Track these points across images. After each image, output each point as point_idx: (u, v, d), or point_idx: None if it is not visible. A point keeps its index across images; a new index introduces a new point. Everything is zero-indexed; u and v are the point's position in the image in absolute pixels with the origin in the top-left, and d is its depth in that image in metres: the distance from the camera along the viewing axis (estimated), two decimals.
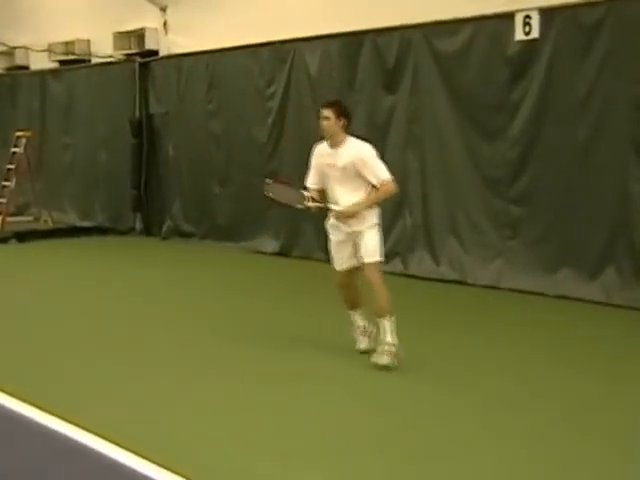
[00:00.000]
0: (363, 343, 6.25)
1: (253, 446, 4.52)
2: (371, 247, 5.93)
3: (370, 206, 5.93)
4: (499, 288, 8.66)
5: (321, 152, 6.14)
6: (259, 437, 4.66)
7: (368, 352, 6.05)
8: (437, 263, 9.33)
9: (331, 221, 6.11)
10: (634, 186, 7.69)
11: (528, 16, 8.31)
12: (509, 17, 8.47)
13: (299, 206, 6.05)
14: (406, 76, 9.59)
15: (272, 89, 11.33)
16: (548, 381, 5.65)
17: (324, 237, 10.47)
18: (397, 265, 9.66)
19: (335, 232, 6.13)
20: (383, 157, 9.63)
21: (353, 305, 6.27)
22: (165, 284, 9.63)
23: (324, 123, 6.00)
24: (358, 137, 6.11)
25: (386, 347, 5.78)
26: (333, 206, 5.98)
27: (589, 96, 7.99)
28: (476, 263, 8.93)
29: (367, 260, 5.93)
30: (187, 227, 12.83)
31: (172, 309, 8.20)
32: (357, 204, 5.89)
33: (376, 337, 6.03)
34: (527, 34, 8.34)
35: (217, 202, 12.31)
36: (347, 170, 5.91)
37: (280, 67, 11.17)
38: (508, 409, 5.09)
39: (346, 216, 5.93)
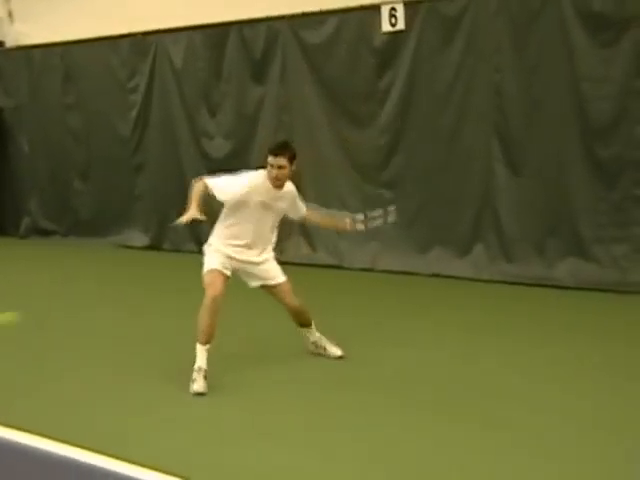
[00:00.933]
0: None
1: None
2: (279, 268, 5.72)
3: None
4: (374, 270, 8.97)
5: (259, 187, 5.35)
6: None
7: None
8: (313, 249, 9.47)
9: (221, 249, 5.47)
10: (497, 166, 8.13)
11: (394, 8, 8.60)
12: (375, 9, 8.72)
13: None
14: (274, 67, 9.62)
15: (134, 82, 11.04)
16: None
17: (195, 228, 10.58)
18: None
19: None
20: (254, 145, 9.97)
21: None
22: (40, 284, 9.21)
23: (280, 172, 5.29)
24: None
25: (325, 340, 5.87)
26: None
27: (453, 84, 8.35)
28: (351, 247, 9.15)
29: (281, 280, 5.71)
30: (47, 224, 12.22)
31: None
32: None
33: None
34: (393, 25, 8.65)
35: (79, 197, 11.81)
36: (280, 213, 5.56)
37: (142, 59, 10.87)
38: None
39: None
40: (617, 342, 6.17)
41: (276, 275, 5.68)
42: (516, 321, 6.85)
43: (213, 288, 5.30)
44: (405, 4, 8.56)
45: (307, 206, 5.81)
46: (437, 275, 8.49)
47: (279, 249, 9.26)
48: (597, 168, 7.65)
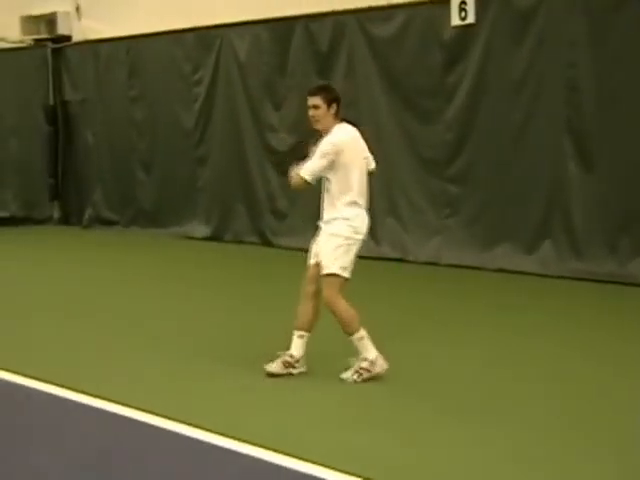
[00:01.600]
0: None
1: None
2: (324, 250, 5.16)
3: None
4: (439, 264, 8.85)
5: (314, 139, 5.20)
6: None
7: None
8: (377, 243, 9.41)
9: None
10: (569, 163, 7.97)
11: (464, 2, 8.50)
12: (445, 2, 8.61)
13: None
14: (340, 61, 9.57)
15: (199, 75, 11.11)
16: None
17: (257, 219, 10.67)
18: None
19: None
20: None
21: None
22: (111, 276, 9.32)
23: (315, 112, 5.13)
24: (349, 122, 5.40)
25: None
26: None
27: (524, 79, 8.21)
28: (416, 241, 9.08)
29: (316, 260, 5.22)
30: (110, 214, 12.34)
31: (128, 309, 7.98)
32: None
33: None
34: (463, 19, 8.55)
35: (142, 188, 11.91)
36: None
37: (207, 53, 10.92)
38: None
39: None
40: None
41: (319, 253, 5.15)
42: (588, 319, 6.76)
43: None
44: None
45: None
46: (502, 270, 8.35)
47: None
48: None
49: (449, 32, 8.67)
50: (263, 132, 10.44)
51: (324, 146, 5.14)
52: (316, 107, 5.18)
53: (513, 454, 4.01)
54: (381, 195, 9.36)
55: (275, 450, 3.98)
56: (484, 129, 8.55)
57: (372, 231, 9.39)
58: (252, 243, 10.59)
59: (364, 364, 5.02)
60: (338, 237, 5.19)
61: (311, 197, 10.05)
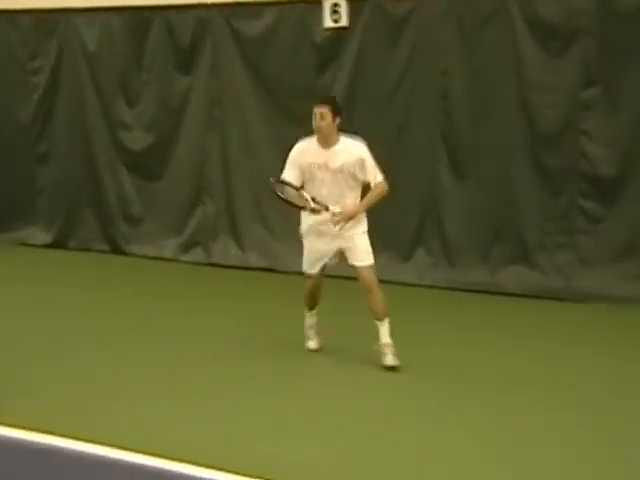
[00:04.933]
0: (315, 341, 6.53)
1: None
2: (365, 251, 6.04)
3: (368, 208, 6.02)
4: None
5: (308, 151, 6.00)
6: None
7: (317, 351, 6.42)
8: (243, 250, 9.59)
9: (311, 223, 6.06)
10: (443, 171, 8.55)
11: (336, 4, 8.89)
12: (317, 3, 8.91)
13: (304, 207, 5.90)
14: (203, 58, 9.62)
15: (37, 63, 10.75)
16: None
17: (107, 225, 10.43)
18: (199, 254, 9.81)
19: (316, 236, 6.09)
20: (178, 140, 9.97)
21: (315, 305, 6.48)
22: None
23: (322, 124, 5.92)
24: (345, 132, 6.16)
25: (389, 348, 6.01)
26: (332, 207, 5.85)
27: (397, 86, 8.69)
28: (285, 249, 9.23)
29: (362, 264, 6.05)
30: None
31: None
32: (361, 205, 5.96)
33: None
34: (336, 22, 8.91)
35: None
36: (342, 172, 5.88)
37: (47, 38, 10.55)
38: None
39: (347, 218, 5.88)
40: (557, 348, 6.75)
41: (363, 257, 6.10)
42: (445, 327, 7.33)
43: (307, 285, 6.41)
44: (348, 0, 8.87)
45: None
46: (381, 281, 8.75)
47: (206, 249, 9.60)
48: (543, 176, 8.19)
49: (321, 34, 9.00)
50: (115, 130, 10.27)
51: (368, 150, 6.05)
52: (323, 117, 5.92)
53: None
54: (248, 201, 9.60)
55: None
56: (357, 134, 8.90)
57: (237, 238, 9.69)
58: (101, 251, 10.43)
59: (390, 346, 6.03)
60: (366, 234, 6.12)
61: (168, 202, 10.18)
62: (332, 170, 5.91)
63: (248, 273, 9.39)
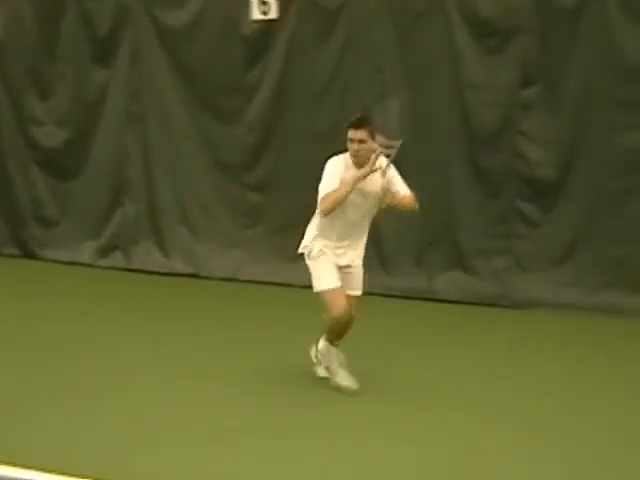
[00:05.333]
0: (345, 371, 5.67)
1: None
2: (361, 280, 5.62)
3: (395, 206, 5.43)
4: (238, 280, 8.75)
5: (347, 172, 5.39)
6: None
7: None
8: (166, 255, 9.16)
9: (326, 243, 5.49)
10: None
11: None
12: None
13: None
14: (123, 49, 9.14)
15: None
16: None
17: (18, 228, 9.77)
18: (118, 259, 9.32)
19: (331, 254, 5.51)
20: (96, 137, 9.44)
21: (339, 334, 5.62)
22: None
23: (361, 147, 5.32)
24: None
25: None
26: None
27: (330, 82, 8.39)
28: (211, 254, 8.91)
29: (357, 293, 5.60)
30: None
31: None
32: (411, 196, 5.47)
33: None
34: (265, 14, 8.55)
35: None
36: (372, 197, 5.39)
37: None
38: None
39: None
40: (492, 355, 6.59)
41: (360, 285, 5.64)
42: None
43: (339, 308, 5.40)
44: None
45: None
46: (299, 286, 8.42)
47: (126, 254, 9.11)
48: (480, 178, 7.99)
49: (249, 26, 8.61)
50: (26, 125, 9.67)
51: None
52: (362, 141, 5.35)
53: None
54: (172, 202, 9.16)
55: None
56: (288, 133, 8.60)
57: (160, 242, 9.24)
58: (11, 255, 9.81)
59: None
60: None
61: (84, 203, 9.64)
62: (365, 193, 5.39)
63: (172, 279, 8.96)
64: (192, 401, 5.42)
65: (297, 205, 8.60)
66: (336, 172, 5.43)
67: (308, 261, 5.59)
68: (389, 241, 8.34)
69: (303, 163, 8.50)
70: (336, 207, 5.30)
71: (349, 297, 5.52)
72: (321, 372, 5.76)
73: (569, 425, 5.14)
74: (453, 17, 7.96)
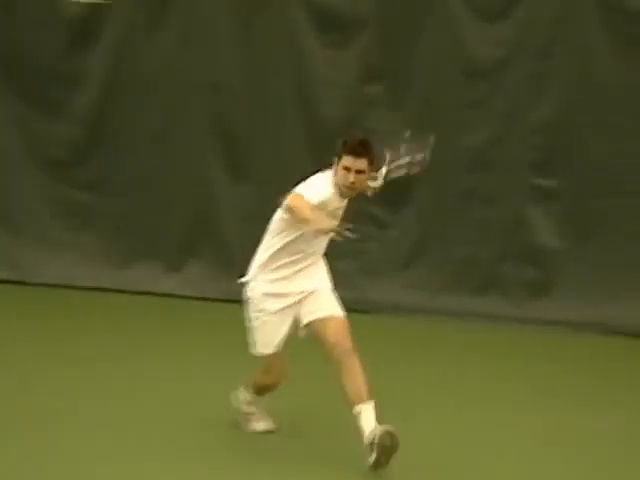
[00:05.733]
0: (266, 421, 5.00)
1: None
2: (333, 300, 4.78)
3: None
4: (68, 286, 8.18)
5: (329, 201, 4.53)
6: None
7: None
8: None
9: (269, 288, 4.67)
10: (216, 171, 7.98)
11: None
12: None
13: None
14: None
15: None
16: None
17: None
18: None
19: (276, 300, 4.69)
20: None
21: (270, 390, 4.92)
22: None
23: (358, 179, 4.46)
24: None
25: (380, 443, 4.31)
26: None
27: (164, 73, 7.96)
28: (37, 259, 8.32)
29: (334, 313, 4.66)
30: None
31: None
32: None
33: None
34: None
35: None
36: (338, 216, 4.62)
37: None
38: None
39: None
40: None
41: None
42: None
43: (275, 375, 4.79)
44: None
45: None
46: (147, 293, 8.06)
47: None
48: None
49: (73, 7, 8.03)
50: None
51: None
52: (361, 172, 4.45)
53: None
54: None
55: None
56: (120, 127, 8.14)
57: None
58: None
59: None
60: None
61: None
62: (332, 215, 4.58)
63: None
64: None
65: (133, 206, 8.23)
66: (324, 194, 4.51)
67: (247, 307, 4.83)
68: (233, 244, 7.98)
69: (139, 161, 8.13)
70: (296, 220, 4.48)
71: (330, 321, 4.65)
72: (259, 426, 5.00)
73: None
74: (295, 9, 7.72)
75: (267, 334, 4.68)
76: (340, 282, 7.70)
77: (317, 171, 4.78)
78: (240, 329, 6.53)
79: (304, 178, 7.87)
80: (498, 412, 5.61)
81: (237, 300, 7.65)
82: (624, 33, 7.44)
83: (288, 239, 4.64)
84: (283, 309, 4.66)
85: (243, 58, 7.86)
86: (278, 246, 4.68)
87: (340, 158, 4.52)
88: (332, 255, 7.75)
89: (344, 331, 4.57)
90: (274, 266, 4.68)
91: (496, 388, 6.17)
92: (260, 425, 4.97)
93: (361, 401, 4.40)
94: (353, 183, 4.48)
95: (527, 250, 7.72)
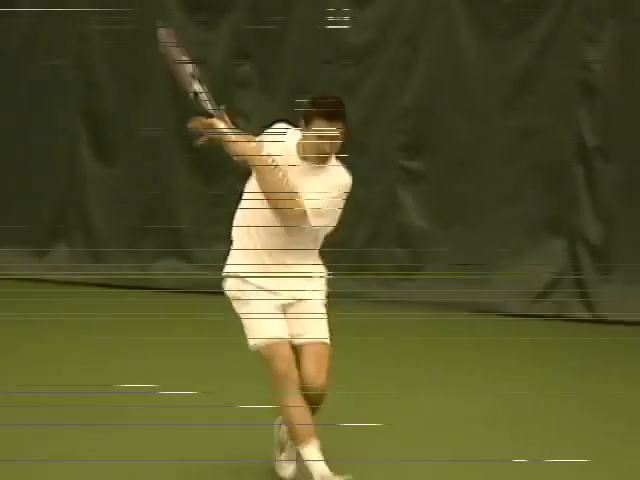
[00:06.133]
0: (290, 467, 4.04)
1: None
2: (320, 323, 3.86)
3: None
4: None
5: (289, 156, 3.83)
6: None
7: None
8: None
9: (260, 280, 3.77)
10: (85, 154, 7.85)
11: None
12: None
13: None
14: None
15: None
16: None
17: None
18: None
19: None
20: None
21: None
22: None
23: (332, 146, 3.80)
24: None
25: None
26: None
27: (29, 41, 7.80)
28: None
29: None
30: None
31: None
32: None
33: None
34: None
35: None
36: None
37: None
38: None
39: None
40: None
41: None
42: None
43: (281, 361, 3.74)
44: None
45: None
46: (13, 278, 7.85)
47: None
48: (198, 162, 7.72)
49: None
50: None
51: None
52: (336, 137, 3.81)
53: None
54: None
55: None
56: None
57: None
58: None
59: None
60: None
61: None
62: (308, 195, 3.84)
63: None
64: None
65: None
66: (285, 146, 3.84)
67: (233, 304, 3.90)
68: (100, 227, 7.96)
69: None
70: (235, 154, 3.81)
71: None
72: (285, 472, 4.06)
73: None
74: None
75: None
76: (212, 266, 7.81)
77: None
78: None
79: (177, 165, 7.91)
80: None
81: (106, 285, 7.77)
82: (489, 19, 7.62)
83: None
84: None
85: (107, 34, 7.72)
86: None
87: (309, 121, 3.80)
88: (203, 239, 7.78)
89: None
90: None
91: (352, 368, 5.86)
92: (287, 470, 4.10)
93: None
94: (324, 150, 3.82)
95: (397, 231, 7.88)
